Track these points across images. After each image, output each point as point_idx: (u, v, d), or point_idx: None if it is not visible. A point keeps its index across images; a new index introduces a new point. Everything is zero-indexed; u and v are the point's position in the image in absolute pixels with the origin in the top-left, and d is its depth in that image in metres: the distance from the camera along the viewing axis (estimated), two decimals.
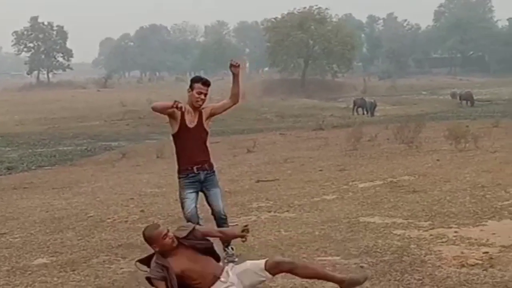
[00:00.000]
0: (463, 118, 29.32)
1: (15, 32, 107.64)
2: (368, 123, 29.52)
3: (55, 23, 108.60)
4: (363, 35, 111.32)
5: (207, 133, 6.63)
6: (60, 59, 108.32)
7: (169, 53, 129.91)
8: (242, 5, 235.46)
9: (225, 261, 6.17)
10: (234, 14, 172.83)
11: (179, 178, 6.55)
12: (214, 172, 6.65)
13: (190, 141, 6.46)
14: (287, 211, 9.07)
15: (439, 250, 6.46)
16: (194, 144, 6.49)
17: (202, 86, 6.45)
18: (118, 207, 10.30)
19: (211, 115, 6.61)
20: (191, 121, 6.45)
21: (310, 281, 5.37)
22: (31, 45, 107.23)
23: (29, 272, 6.79)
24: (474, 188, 9.72)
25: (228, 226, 6.64)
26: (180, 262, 4.83)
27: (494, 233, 7.01)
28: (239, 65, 6.47)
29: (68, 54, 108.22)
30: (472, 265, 5.88)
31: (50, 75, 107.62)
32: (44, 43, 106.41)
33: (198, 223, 6.12)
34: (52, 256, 7.38)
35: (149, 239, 4.94)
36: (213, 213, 6.70)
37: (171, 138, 6.62)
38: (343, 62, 79.90)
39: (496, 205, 8.44)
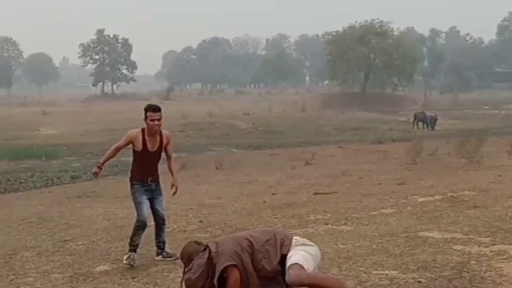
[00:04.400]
0: None
1: (82, 44, 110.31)
2: (428, 137, 29.12)
3: (120, 35, 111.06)
4: (424, 49, 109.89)
5: (161, 154, 7.62)
6: (124, 71, 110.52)
7: (230, 66, 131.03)
8: (303, 19, 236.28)
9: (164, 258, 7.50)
10: (295, 27, 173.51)
11: (133, 184, 7.54)
12: (159, 182, 7.61)
13: (148, 161, 7.46)
14: (345, 224, 9.03)
15: (500, 267, 6.33)
16: (151, 163, 7.50)
17: (152, 114, 7.34)
18: (177, 217, 10.44)
19: (167, 144, 7.62)
20: (152, 146, 7.45)
21: None
22: (97, 57, 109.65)
23: (91, 278, 6.97)
24: None
25: (164, 235, 7.68)
26: None
27: None
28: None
29: (132, 66, 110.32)
30: None
31: (114, 87, 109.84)
32: (109, 55, 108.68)
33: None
34: (113, 264, 7.56)
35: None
36: (155, 218, 7.67)
37: (132, 152, 7.55)
38: (404, 75, 79.20)
39: None
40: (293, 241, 5.02)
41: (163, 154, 7.68)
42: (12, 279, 7.12)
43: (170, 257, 7.50)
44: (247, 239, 4.95)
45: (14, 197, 15.81)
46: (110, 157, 7.50)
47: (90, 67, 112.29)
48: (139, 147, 7.38)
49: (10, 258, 8.18)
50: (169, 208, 11.26)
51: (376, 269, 6.50)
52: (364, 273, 6.38)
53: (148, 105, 7.52)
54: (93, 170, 7.54)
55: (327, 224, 9.10)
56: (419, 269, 6.41)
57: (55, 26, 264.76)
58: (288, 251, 4.92)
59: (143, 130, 7.42)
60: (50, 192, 16.33)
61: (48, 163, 24.52)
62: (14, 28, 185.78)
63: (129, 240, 7.54)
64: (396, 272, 6.37)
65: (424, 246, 7.35)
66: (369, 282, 6.07)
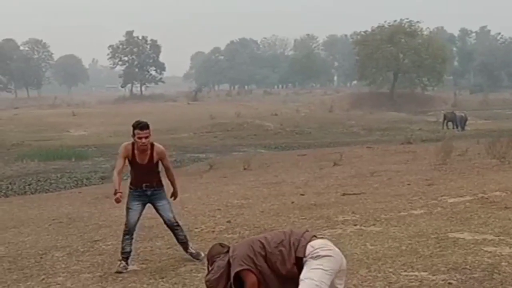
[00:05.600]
0: None
1: (111, 46, 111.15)
2: (458, 137, 28.81)
3: (149, 37, 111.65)
4: (454, 49, 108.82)
5: (157, 165, 7.51)
6: (153, 73, 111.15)
7: (258, 66, 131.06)
8: (331, 19, 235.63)
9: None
10: (323, 28, 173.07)
11: (129, 189, 7.48)
12: (161, 187, 7.55)
13: (141, 171, 7.40)
14: (373, 225, 8.98)
15: None
16: (145, 173, 7.42)
17: (140, 131, 7.27)
18: (205, 217, 10.47)
19: (160, 159, 7.48)
20: (142, 160, 7.38)
21: None
22: (126, 58, 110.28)
23: (121, 278, 7.03)
24: None
25: (182, 234, 7.62)
26: None
27: None
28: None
29: (160, 67, 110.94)
30: None
31: (143, 88, 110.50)
32: (138, 57, 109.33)
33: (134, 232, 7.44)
34: (142, 264, 7.61)
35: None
36: (165, 223, 7.65)
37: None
38: (434, 75, 78.56)
39: None
40: (308, 249, 4.71)
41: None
42: (43, 279, 7.21)
43: (194, 257, 7.52)
44: (259, 241, 4.90)
45: (45, 197, 15.99)
46: (120, 180, 7.30)
47: (119, 68, 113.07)
48: (130, 159, 7.40)
49: (41, 258, 8.28)
50: (197, 209, 11.35)
51: (405, 271, 6.45)
52: (393, 274, 6.34)
53: (136, 122, 7.44)
54: (117, 196, 7.10)
55: (355, 225, 9.06)
56: (449, 270, 6.35)
57: (84, 28, 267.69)
58: (304, 254, 4.76)
59: (133, 144, 7.38)
60: (79, 192, 16.48)
61: (77, 164, 24.77)
62: (44, 30, 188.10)
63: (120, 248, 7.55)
64: (426, 273, 6.31)
65: (454, 247, 7.28)
66: (398, 284, 6.03)
